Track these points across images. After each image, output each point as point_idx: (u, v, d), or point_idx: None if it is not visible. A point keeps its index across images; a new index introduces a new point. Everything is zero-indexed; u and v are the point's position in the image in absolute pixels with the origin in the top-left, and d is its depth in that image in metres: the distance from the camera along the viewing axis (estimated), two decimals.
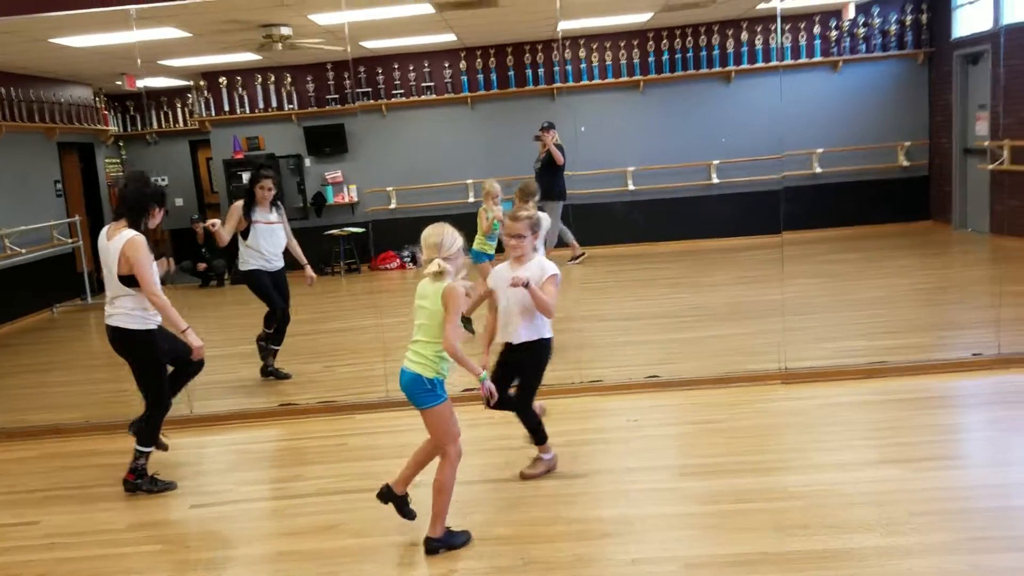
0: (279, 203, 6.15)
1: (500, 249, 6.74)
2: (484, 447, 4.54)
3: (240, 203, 5.97)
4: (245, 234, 5.97)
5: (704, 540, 3.38)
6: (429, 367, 3.41)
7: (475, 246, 6.76)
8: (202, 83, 11.79)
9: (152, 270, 4.20)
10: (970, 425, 4.66)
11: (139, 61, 8.31)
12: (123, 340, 4.28)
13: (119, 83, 11.70)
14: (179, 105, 12.93)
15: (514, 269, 3.94)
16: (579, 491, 3.92)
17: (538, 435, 4.09)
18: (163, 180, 13.19)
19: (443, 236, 3.44)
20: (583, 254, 10.34)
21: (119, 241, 4.16)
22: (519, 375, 4.08)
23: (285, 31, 8.68)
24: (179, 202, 13.13)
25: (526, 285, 3.73)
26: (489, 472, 4.24)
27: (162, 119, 13.01)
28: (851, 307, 7.11)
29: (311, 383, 6.16)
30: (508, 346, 4.01)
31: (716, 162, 11.41)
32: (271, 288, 6.06)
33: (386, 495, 3.58)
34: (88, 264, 10.63)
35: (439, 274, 3.38)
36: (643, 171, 11.54)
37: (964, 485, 3.73)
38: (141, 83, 11.96)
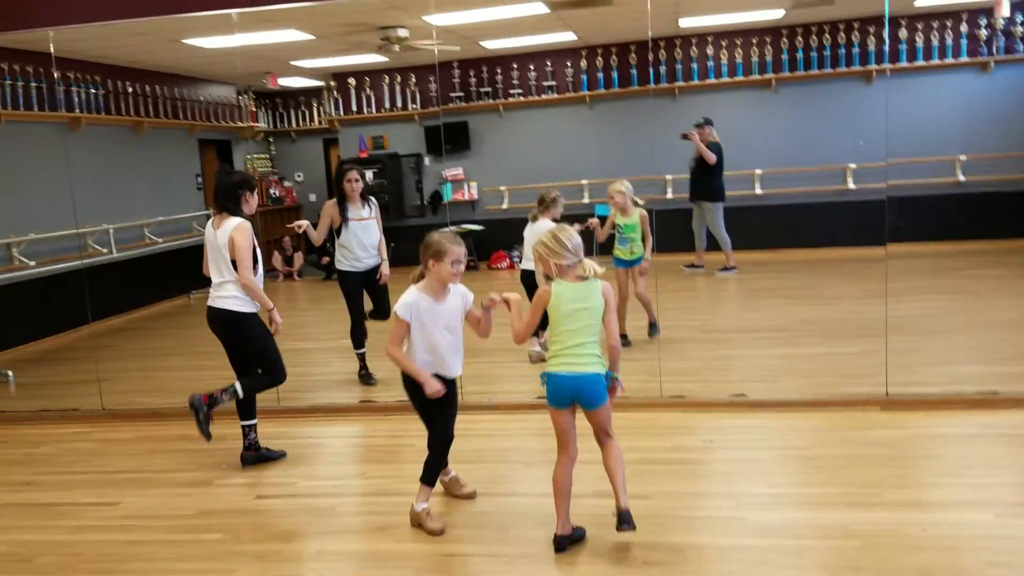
0: (371, 198, 6.15)
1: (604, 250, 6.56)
2: (532, 458, 4.42)
3: (332, 201, 6.05)
4: (340, 232, 6.03)
5: None
6: (602, 364, 3.39)
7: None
8: (332, 83, 12.20)
9: (251, 256, 4.46)
10: None
11: (238, 63, 8.64)
12: (235, 322, 4.52)
13: (264, 81, 12.29)
14: (315, 104, 13.43)
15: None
16: (635, 513, 3.73)
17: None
18: (299, 177, 13.80)
19: (578, 238, 3.42)
20: (734, 268, 9.75)
21: (226, 228, 4.44)
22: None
23: (402, 33, 8.82)
24: (312, 198, 13.65)
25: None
26: (532, 484, 4.12)
27: (300, 118, 13.53)
28: (976, 328, 6.52)
29: (398, 381, 6.19)
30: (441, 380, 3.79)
31: (853, 166, 10.75)
32: (359, 298, 6.07)
33: (620, 516, 3.38)
34: None
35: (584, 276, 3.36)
36: (771, 174, 11.03)
37: None
38: (283, 81, 12.53)
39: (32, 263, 8.19)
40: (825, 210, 10.91)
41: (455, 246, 3.58)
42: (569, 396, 3.38)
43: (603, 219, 6.75)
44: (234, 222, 4.45)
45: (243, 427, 4.74)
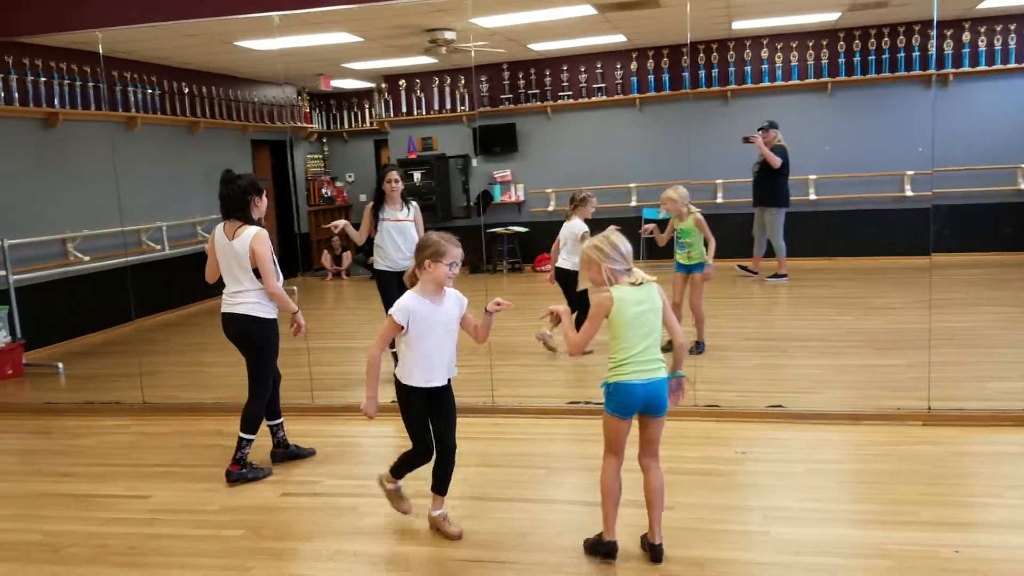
0: (412, 201, 6.17)
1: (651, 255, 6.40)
2: (557, 464, 4.37)
3: (372, 203, 6.09)
4: (376, 231, 6.07)
5: None
6: (665, 367, 3.30)
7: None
8: (383, 85, 12.29)
9: (273, 265, 4.44)
10: None
11: (279, 65, 8.73)
12: (252, 327, 4.49)
13: (317, 83, 12.45)
14: (366, 106, 13.56)
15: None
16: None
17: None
18: (351, 177, 13.93)
19: (629, 244, 3.32)
20: (785, 276, 9.54)
21: (246, 239, 4.39)
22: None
23: (449, 35, 8.84)
24: (362, 198, 13.76)
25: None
26: (555, 491, 4.06)
27: (352, 119, 13.67)
28: None
29: None
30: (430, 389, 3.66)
31: (911, 172, 10.45)
32: (393, 298, 6.04)
33: (652, 550, 3.33)
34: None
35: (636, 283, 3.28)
36: (826, 179, 10.79)
37: None
38: (335, 83, 12.68)
39: (86, 258, 8.40)
40: (881, 217, 10.62)
41: (454, 247, 3.49)
42: (641, 405, 3.25)
43: (658, 222, 6.67)
44: (252, 231, 4.39)
45: (270, 427, 4.77)
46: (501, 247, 11.32)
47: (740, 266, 9.85)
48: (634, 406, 3.25)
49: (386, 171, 6.04)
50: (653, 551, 3.30)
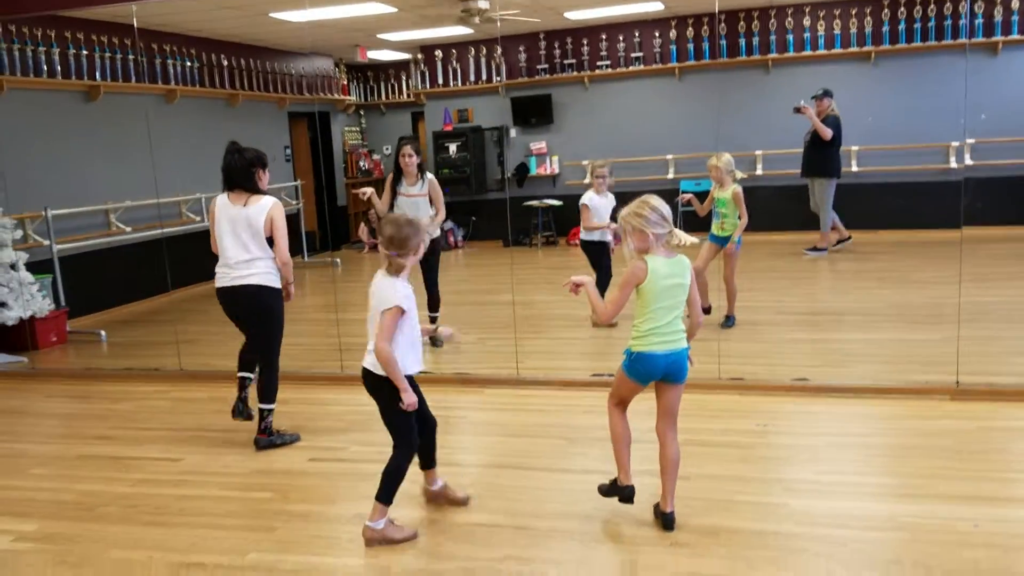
0: (428, 175, 6.20)
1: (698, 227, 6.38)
2: (577, 435, 4.38)
3: (391, 176, 6.14)
4: (391, 205, 6.12)
5: (775, 565, 3.04)
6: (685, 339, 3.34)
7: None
8: (420, 56, 12.29)
9: (287, 234, 4.51)
10: None
11: (313, 37, 8.75)
12: (264, 297, 4.53)
13: (355, 55, 12.50)
14: (404, 77, 13.57)
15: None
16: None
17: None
18: (387, 150, 13.98)
19: (667, 207, 3.29)
20: (825, 250, 9.40)
21: (263, 207, 4.45)
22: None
23: (482, 4, 8.79)
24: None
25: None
26: (574, 461, 4.09)
27: (390, 91, 13.69)
28: None
29: (460, 353, 6.28)
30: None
31: (956, 144, 10.18)
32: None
33: (663, 518, 3.36)
34: (307, 224, 11.52)
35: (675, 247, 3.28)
36: (868, 151, 10.56)
37: None
38: (372, 55, 12.71)
39: (128, 229, 8.60)
40: (924, 190, 10.38)
41: (424, 235, 3.43)
42: (661, 373, 3.28)
43: (697, 195, 6.63)
44: (269, 200, 4.45)
45: (239, 378, 4.75)
46: (536, 220, 11.30)
47: (808, 250, 9.59)
48: (654, 374, 3.29)
49: (401, 145, 6.07)
50: (664, 519, 3.33)
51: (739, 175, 6.48)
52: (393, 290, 3.34)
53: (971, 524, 3.21)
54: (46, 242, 7.60)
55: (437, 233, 6.26)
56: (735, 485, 3.75)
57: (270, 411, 4.65)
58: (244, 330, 4.74)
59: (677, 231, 3.30)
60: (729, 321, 6.44)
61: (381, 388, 3.42)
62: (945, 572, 2.90)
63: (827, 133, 9.05)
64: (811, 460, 3.99)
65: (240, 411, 4.76)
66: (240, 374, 4.77)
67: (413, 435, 3.49)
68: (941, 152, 10.35)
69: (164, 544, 3.54)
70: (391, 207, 6.12)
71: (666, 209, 3.28)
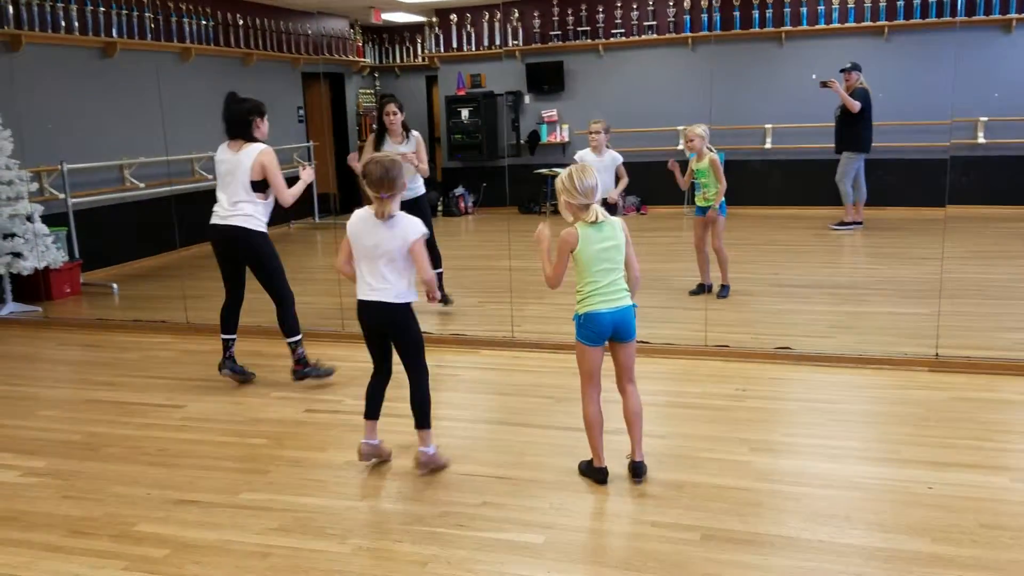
0: (413, 132, 6.25)
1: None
2: (564, 395, 4.54)
3: (373, 135, 6.22)
4: None
5: (731, 515, 3.20)
6: (629, 297, 3.47)
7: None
8: (435, 20, 12.33)
9: (282, 176, 4.75)
10: None
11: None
12: (248, 238, 4.76)
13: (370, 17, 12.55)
14: (419, 40, 13.62)
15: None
16: (645, 450, 3.83)
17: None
18: None
19: (598, 181, 3.42)
20: (859, 223, 9.43)
21: (251, 152, 4.67)
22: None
23: None
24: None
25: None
26: (558, 418, 4.25)
27: (404, 54, 13.75)
28: None
29: (461, 315, 6.46)
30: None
31: (985, 119, 10.14)
32: None
33: (633, 467, 3.53)
34: (322, 186, 11.68)
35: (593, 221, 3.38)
36: (883, 127, 10.53)
37: None
38: (387, 16, 12.75)
39: (142, 185, 8.79)
40: (933, 166, 10.37)
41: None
42: (610, 330, 3.42)
43: (683, 165, 6.69)
44: (258, 147, 4.67)
45: (223, 340, 5.04)
46: (545, 188, 11.41)
47: (834, 223, 9.63)
48: (604, 333, 3.42)
49: (384, 103, 6.13)
50: (634, 468, 3.50)
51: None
52: (414, 221, 3.60)
53: (926, 487, 3.36)
54: (61, 195, 7.80)
55: (423, 190, 6.32)
56: (705, 443, 3.91)
57: (298, 342, 4.93)
58: (227, 278, 4.98)
59: (595, 207, 3.38)
60: (724, 291, 6.56)
61: (400, 314, 3.63)
62: (891, 528, 3.05)
63: (855, 105, 9.05)
64: (781, 423, 4.15)
65: (227, 366, 5.00)
66: (223, 336, 5.02)
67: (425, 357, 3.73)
68: (966, 127, 10.30)
69: (163, 482, 3.75)
70: None
71: (586, 183, 3.36)
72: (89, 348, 6.14)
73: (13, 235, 6.91)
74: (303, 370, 4.98)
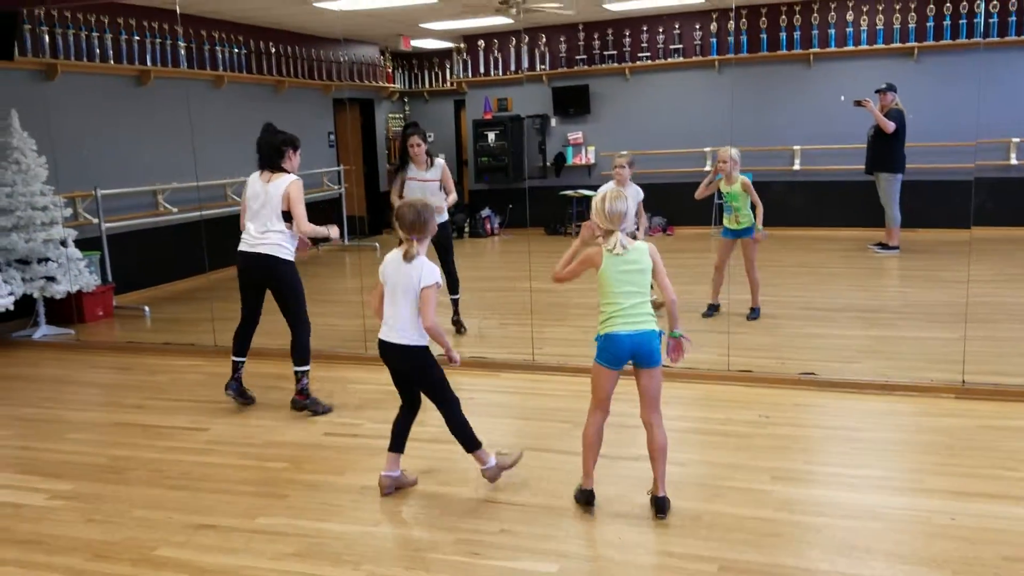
0: (438, 160, 6.35)
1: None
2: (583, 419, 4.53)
3: (396, 167, 6.34)
4: (402, 191, 6.25)
5: (750, 546, 3.16)
6: (656, 323, 3.44)
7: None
8: (462, 45, 12.46)
9: (304, 208, 4.85)
10: None
11: (338, 27, 8.94)
12: (276, 266, 4.88)
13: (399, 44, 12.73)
14: (447, 66, 13.76)
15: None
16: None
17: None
18: (431, 136, 14.17)
19: (629, 208, 3.45)
20: (897, 248, 9.30)
21: (282, 183, 4.81)
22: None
23: None
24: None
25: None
26: (575, 443, 4.23)
27: (433, 79, 13.89)
28: None
29: (482, 338, 6.48)
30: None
31: (1017, 140, 10.02)
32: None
33: (655, 503, 3.48)
34: (350, 209, 11.80)
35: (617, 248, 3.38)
36: (915, 148, 10.41)
37: None
38: (416, 43, 12.92)
39: (175, 209, 8.95)
40: (963, 188, 10.19)
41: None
42: (628, 354, 3.39)
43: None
44: (290, 177, 4.82)
45: (234, 362, 5.12)
46: (570, 210, 11.43)
47: (874, 244, 9.53)
48: (622, 355, 3.40)
49: (408, 135, 6.26)
50: (657, 504, 3.46)
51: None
52: (431, 268, 3.64)
53: (948, 517, 3.30)
54: (95, 220, 7.97)
55: (446, 217, 6.38)
56: (725, 471, 3.87)
57: (304, 372, 4.97)
58: (246, 303, 5.06)
59: (619, 236, 3.39)
60: (754, 313, 6.51)
61: (415, 356, 3.71)
62: (912, 559, 3.00)
63: (889, 127, 8.99)
64: (804, 451, 4.10)
65: (233, 388, 5.08)
66: (234, 358, 5.10)
67: (451, 388, 3.79)
68: (999, 149, 10.16)
69: (184, 506, 3.80)
70: (400, 194, 6.25)
71: (614, 208, 3.38)
72: (120, 371, 6.24)
73: (47, 259, 7.06)
74: (303, 401, 5.00)
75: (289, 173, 4.86)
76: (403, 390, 3.86)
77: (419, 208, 3.64)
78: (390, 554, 3.30)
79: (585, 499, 3.55)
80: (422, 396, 3.88)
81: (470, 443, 3.78)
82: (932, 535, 3.18)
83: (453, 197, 6.37)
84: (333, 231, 5.09)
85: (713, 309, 6.64)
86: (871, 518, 3.34)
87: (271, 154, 4.85)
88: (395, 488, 3.83)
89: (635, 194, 6.63)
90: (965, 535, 3.16)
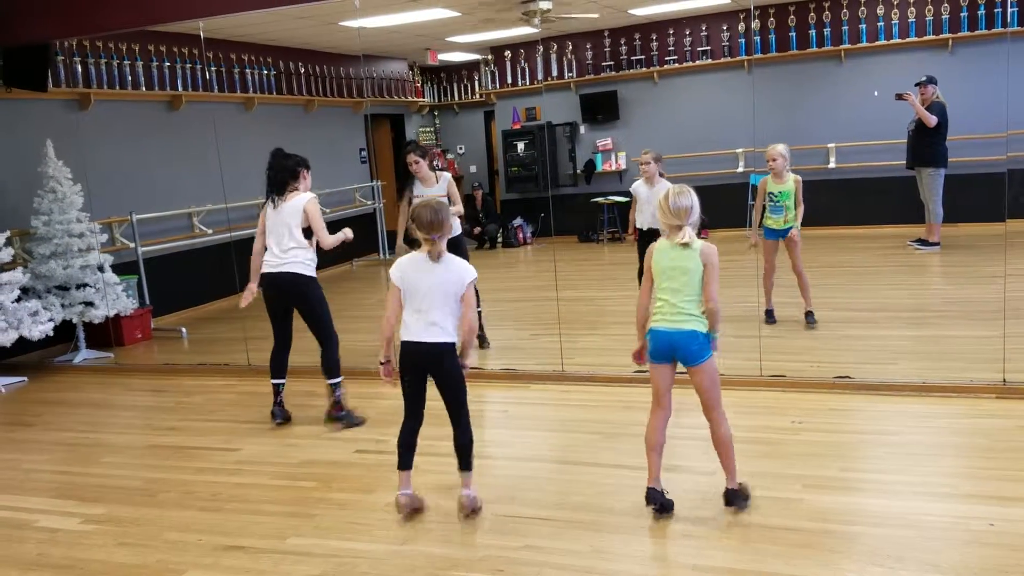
0: (444, 174, 6.38)
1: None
2: (614, 430, 4.48)
3: (403, 189, 6.38)
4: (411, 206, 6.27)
5: (780, 559, 3.09)
6: (702, 323, 3.44)
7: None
8: (490, 57, 12.49)
9: (323, 222, 4.98)
10: None
11: (359, 40, 8.99)
12: (301, 284, 4.97)
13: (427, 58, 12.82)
14: (476, 78, 13.81)
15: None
16: (691, 487, 3.74)
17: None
18: (461, 149, 14.23)
19: (694, 202, 3.43)
20: (938, 244, 9.08)
21: (299, 202, 4.92)
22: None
23: (544, 5, 8.92)
24: (473, 169, 14.08)
25: None
26: (605, 455, 4.19)
27: (462, 91, 13.95)
28: None
29: (512, 349, 6.45)
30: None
31: None
32: None
33: (724, 495, 3.54)
34: (387, 224, 11.87)
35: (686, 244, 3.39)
36: (955, 141, 10.15)
37: None
38: (443, 57, 12.99)
39: (210, 231, 9.07)
40: (999, 181, 9.96)
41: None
42: (668, 350, 3.43)
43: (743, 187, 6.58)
44: (306, 195, 4.93)
45: (274, 384, 5.20)
46: (602, 217, 11.38)
47: (914, 241, 9.33)
48: (662, 351, 3.44)
49: (405, 152, 6.30)
50: (726, 496, 3.51)
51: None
52: (466, 264, 3.70)
53: (986, 523, 3.19)
54: (132, 245, 8.11)
55: (460, 230, 6.36)
56: (756, 480, 3.77)
57: (337, 384, 5.04)
58: (276, 324, 5.13)
59: (686, 229, 3.38)
60: (811, 317, 6.29)
61: (451, 356, 3.66)
62: (947, 568, 2.91)
63: (931, 120, 8.81)
64: (837, 457, 4.00)
65: (280, 415, 5.17)
66: (273, 381, 5.17)
67: None
68: (1010, 140, 9.87)
69: (214, 528, 3.82)
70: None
71: (679, 203, 3.38)
72: (156, 393, 6.34)
73: (85, 285, 7.20)
74: (338, 413, 5.06)
75: (301, 192, 4.95)
76: (416, 398, 3.79)
77: (435, 207, 3.63)
78: (415, 572, 3.28)
79: (648, 498, 3.51)
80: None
81: (469, 462, 3.75)
82: (969, 542, 3.08)
83: (457, 209, 6.38)
84: (348, 233, 5.22)
85: (770, 315, 6.50)
86: (906, 526, 3.24)
87: (285, 177, 4.95)
88: (414, 506, 3.79)
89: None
90: (1004, 541, 3.06)
